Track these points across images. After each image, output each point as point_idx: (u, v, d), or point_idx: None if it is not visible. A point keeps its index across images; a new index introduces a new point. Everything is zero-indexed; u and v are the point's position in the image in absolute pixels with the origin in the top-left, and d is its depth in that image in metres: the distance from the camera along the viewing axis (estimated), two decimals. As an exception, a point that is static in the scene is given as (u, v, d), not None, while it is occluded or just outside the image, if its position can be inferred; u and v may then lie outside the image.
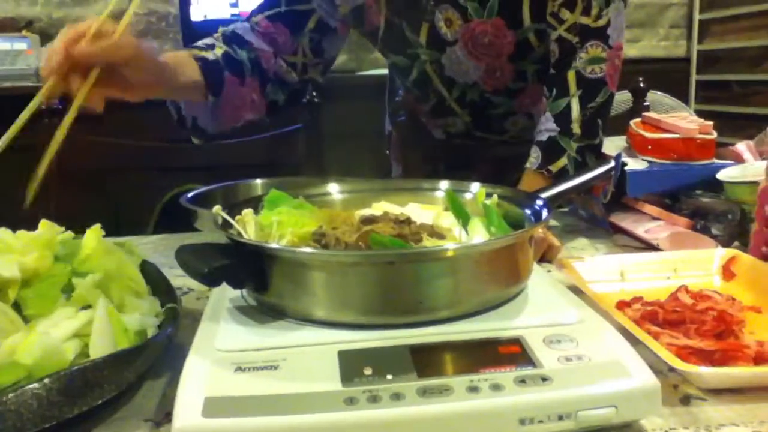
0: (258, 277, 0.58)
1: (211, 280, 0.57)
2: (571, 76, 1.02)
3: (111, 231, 0.69)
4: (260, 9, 1.09)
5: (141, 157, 1.81)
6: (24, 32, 2.69)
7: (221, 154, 1.53)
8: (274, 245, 0.62)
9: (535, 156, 1.02)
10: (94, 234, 0.65)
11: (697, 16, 3.31)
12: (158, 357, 0.58)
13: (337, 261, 0.57)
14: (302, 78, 1.13)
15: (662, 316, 0.65)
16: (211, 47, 1.03)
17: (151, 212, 1.45)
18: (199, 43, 1.05)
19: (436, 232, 0.68)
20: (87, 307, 0.59)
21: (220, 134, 1.07)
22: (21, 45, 2.61)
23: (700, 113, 2.52)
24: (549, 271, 0.84)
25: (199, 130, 1.05)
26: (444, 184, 0.81)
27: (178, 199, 0.99)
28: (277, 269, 0.57)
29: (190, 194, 1.01)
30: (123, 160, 1.85)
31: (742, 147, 1.09)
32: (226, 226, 0.65)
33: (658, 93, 1.97)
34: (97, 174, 2.30)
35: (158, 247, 1.04)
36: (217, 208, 0.66)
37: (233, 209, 0.67)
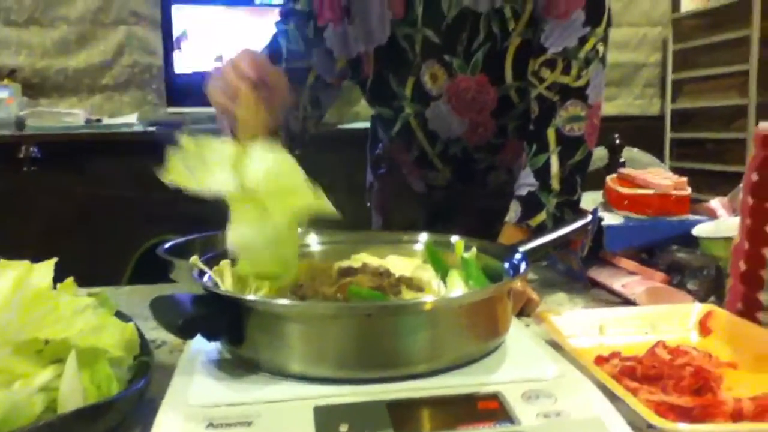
0: (233, 330, 0.57)
1: (185, 332, 0.56)
2: (550, 133, 1.04)
3: (86, 280, 0.68)
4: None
5: (119, 206, 1.80)
6: (6, 81, 2.70)
7: (200, 204, 1.53)
8: (250, 297, 0.61)
9: (514, 210, 1.03)
10: (67, 289, 0.64)
11: (670, 76, 3.42)
12: (129, 412, 0.56)
13: (314, 313, 0.57)
14: (302, 129, 1.14)
15: (640, 372, 0.65)
16: None
17: (127, 262, 1.44)
18: None
19: (415, 285, 0.68)
20: (57, 360, 0.57)
21: None
22: (2, 94, 2.62)
23: (675, 170, 2.57)
24: (527, 325, 0.84)
25: None
26: (423, 237, 0.81)
27: (154, 250, 0.98)
28: (253, 321, 0.57)
29: (167, 245, 1.00)
30: (101, 208, 1.84)
31: (716, 203, 1.11)
32: (202, 276, 0.64)
33: (634, 150, 2.02)
34: (75, 221, 2.29)
35: (133, 298, 1.02)
36: (194, 259, 0.65)
37: (211, 260, 0.67)
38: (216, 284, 0.64)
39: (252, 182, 0.64)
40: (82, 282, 0.66)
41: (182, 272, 0.90)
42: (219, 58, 2.81)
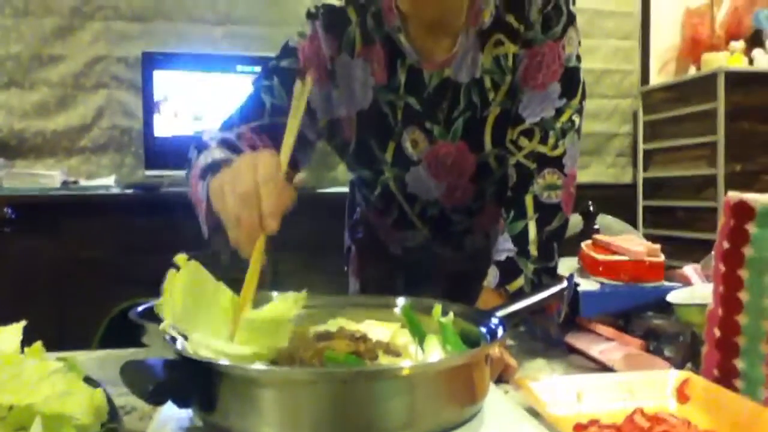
0: (205, 396, 0.56)
1: (155, 397, 0.54)
2: (528, 199, 1.06)
3: (56, 343, 0.66)
4: (243, 119, 1.06)
5: (92, 268, 1.77)
6: (-16, 142, 2.69)
7: (170, 268, 1.51)
8: (222, 362, 0.60)
9: (493, 275, 1.03)
10: (35, 353, 0.62)
11: (641, 146, 3.51)
12: (93, 482, 0.54)
13: (288, 379, 0.56)
14: None
15: (620, 440, 0.64)
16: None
17: (98, 325, 1.40)
18: (202, 158, 0.97)
19: (392, 350, 0.67)
20: (21, 428, 0.55)
21: None
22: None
23: (648, 237, 2.60)
24: (506, 391, 0.83)
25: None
26: (401, 301, 0.80)
27: (126, 313, 0.96)
28: (226, 387, 0.55)
29: (139, 308, 0.98)
30: (74, 270, 1.81)
31: (689, 270, 1.13)
32: (174, 341, 0.63)
33: (608, 217, 2.04)
34: (47, 283, 2.24)
35: (103, 363, 0.99)
36: (165, 324, 0.64)
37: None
38: (186, 348, 0.63)
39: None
40: (51, 346, 0.64)
41: (154, 336, 0.88)
42: (198, 118, 2.84)
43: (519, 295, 1.00)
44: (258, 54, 2.90)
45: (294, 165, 1.12)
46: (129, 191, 2.67)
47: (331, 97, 1.10)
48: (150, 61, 2.83)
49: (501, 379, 0.88)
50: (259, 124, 1.04)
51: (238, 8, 3.07)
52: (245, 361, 0.60)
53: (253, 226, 0.70)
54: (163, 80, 2.84)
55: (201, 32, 3.04)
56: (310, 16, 1.09)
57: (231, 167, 0.77)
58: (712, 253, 1.15)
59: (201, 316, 0.64)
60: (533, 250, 1.03)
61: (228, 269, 0.74)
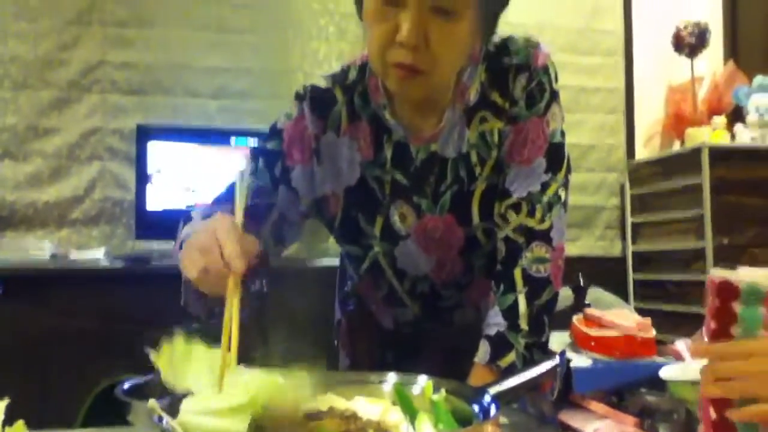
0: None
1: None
2: (517, 273, 1.07)
3: (41, 415, 0.65)
4: (229, 198, 1.04)
5: (79, 342, 1.74)
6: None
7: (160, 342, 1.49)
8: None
9: (484, 350, 1.03)
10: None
11: (629, 219, 3.54)
12: None
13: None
14: (260, 265, 1.13)
15: None
16: None
17: (83, 401, 1.37)
18: (183, 231, 1.03)
19: (382, 429, 0.66)
20: None
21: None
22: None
23: (639, 311, 2.60)
24: (499, 472, 0.81)
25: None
26: (392, 377, 0.79)
27: (111, 390, 0.94)
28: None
29: (125, 385, 0.96)
30: (59, 345, 1.78)
31: (681, 345, 1.12)
32: (161, 420, 0.61)
33: (598, 290, 2.05)
34: (31, 357, 2.20)
35: (85, 442, 0.97)
36: (152, 402, 0.63)
37: (173, 403, 0.65)
38: (174, 428, 0.61)
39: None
40: (35, 420, 0.62)
41: (140, 414, 0.86)
42: (191, 190, 2.85)
43: (511, 370, 0.99)
44: (252, 128, 2.95)
45: (281, 242, 1.13)
46: (118, 263, 2.65)
47: (315, 176, 1.12)
48: (145, 133, 2.87)
49: (494, 458, 0.86)
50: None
51: (234, 83, 3.13)
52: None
53: (217, 269, 0.80)
54: (157, 152, 2.86)
55: (196, 105, 3.09)
56: (298, 97, 1.13)
57: (192, 235, 0.87)
58: (704, 328, 1.15)
59: (192, 379, 0.67)
60: (524, 324, 1.03)
61: (206, 331, 0.78)
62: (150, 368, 1.13)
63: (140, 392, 0.94)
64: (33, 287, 2.46)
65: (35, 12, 2.92)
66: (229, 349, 0.72)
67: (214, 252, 0.80)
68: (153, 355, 0.69)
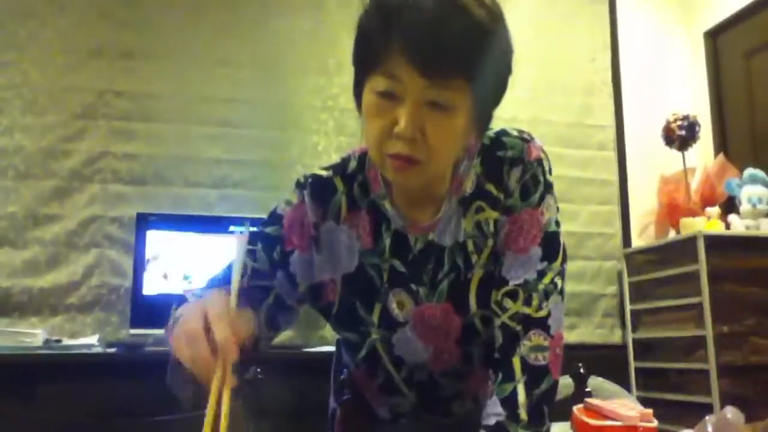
0: None
1: None
2: (516, 362, 1.05)
3: None
4: (225, 280, 1.06)
5: (70, 428, 1.70)
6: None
7: (155, 430, 1.46)
8: None
9: (482, 441, 1.00)
10: None
11: (628, 307, 3.52)
12: None
13: None
14: (253, 350, 1.12)
15: None
16: None
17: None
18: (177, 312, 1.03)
19: None
20: None
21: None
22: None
23: (642, 399, 2.55)
24: None
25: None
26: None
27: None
28: None
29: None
30: (49, 429, 1.72)
31: (684, 436, 1.10)
32: None
33: (599, 379, 2.01)
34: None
35: None
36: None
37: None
38: None
39: None
40: None
41: None
42: (188, 278, 2.85)
43: (511, 462, 0.97)
44: (251, 215, 2.98)
45: (275, 327, 1.13)
46: (111, 350, 2.62)
47: (313, 263, 1.13)
48: (144, 222, 2.89)
49: None
50: (239, 287, 1.06)
51: (234, 173, 3.19)
52: None
53: (205, 359, 0.79)
54: (155, 240, 2.88)
55: (196, 195, 3.13)
56: (299, 185, 1.15)
57: (183, 314, 0.86)
58: (707, 418, 1.13)
59: None
60: (523, 414, 1.01)
61: (189, 408, 0.79)
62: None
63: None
64: (23, 377, 2.41)
65: (42, 106, 3.01)
66: None
67: (200, 339, 0.80)
68: None
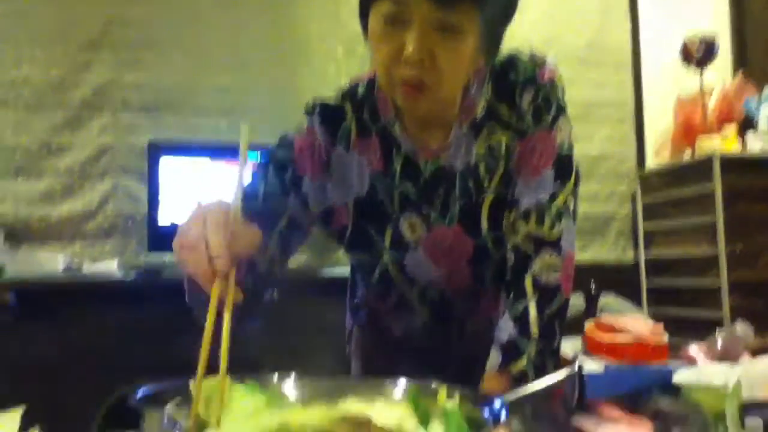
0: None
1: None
2: (527, 281, 1.07)
3: (54, 429, 0.65)
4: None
5: (92, 354, 1.75)
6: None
7: (173, 352, 1.50)
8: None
9: (495, 357, 1.03)
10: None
11: (641, 227, 3.53)
12: None
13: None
14: (267, 271, 1.13)
15: None
16: None
17: (97, 411, 1.38)
18: None
19: (395, 435, 0.66)
20: None
21: None
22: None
23: (653, 316, 2.59)
24: (512, 478, 0.81)
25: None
26: (407, 384, 0.79)
27: (125, 399, 0.95)
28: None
29: (138, 394, 0.97)
30: (74, 356, 1.79)
31: (694, 350, 1.12)
32: (172, 427, 0.62)
33: (611, 297, 2.04)
34: (45, 368, 2.21)
35: (100, 451, 0.97)
36: (170, 406, 0.64)
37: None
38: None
39: None
40: (51, 431, 0.63)
41: (153, 422, 0.86)
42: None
43: (522, 376, 0.99)
44: (261, 142, 2.96)
45: (288, 250, 1.13)
46: (131, 275, 2.67)
47: (326, 187, 1.13)
48: (156, 150, 2.89)
49: (507, 464, 0.86)
50: (252, 209, 1.06)
51: (244, 101, 3.17)
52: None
53: (204, 270, 0.76)
54: (168, 167, 2.89)
55: (206, 122, 3.12)
56: (308, 111, 1.14)
57: (185, 223, 0.83)
58: (717, 332, 1.15)
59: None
60: (535, 331, 1.03)
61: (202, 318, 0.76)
62: (163, 378, 1.14)
63: (153, 401, 0.95)
64: (46, 301, 2.48)
65: (49, 38, 2.97)
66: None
67: (198, 250, 0.77)
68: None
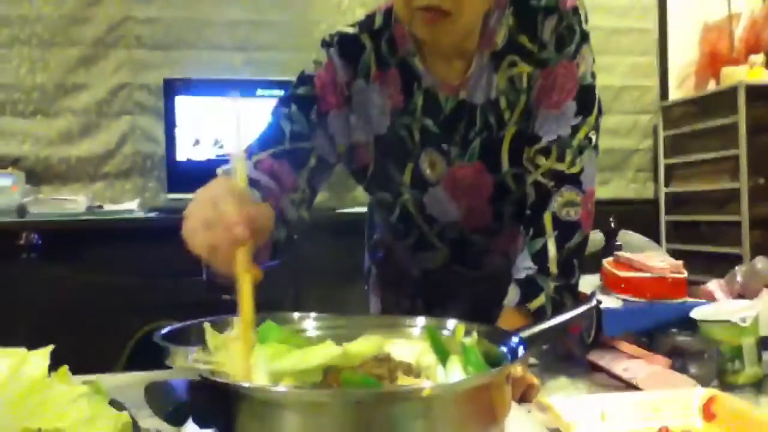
0: (225, 417, 0.56)
1: (175, 418, 0.55)
2: (547, 218, 1.06)
3: (81, 367, 0.67)
4: (262, 147, 1.05)
5: (116, 292, 1.79)
6: (10, 169, 2.74)
7: (195, 291, 1.52)
8: (243, 384, 0.60)
9: (513, 293, 1.03)
10: (61, 377, 0.63)
11: (662, 161, 3.48)
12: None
13: (301, 400, 0.56)
14: (297, 215, 1.12)
15: (645, 460, 0.64)
16: None
17: (123, 348, 1.42)
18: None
19: (414, 371, 0.67)
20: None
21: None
22: (6, 181, 2.66)
23: (672, 252, 2.58)
24: (529, 411, 0.82)
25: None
26: (425, 321, 0.80)
27: (150, 336, 0.97)
28: (244, 408, 0.56)
29: (163, 331, 0.99)
30: (98, 295, 1.83)
31: (713, 286, 1.12)
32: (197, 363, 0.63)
33: (630, 233, 2.03)
34: (71, 307, 2.27)
35: (128, 385, 1.00)
36: (199, 350, 0.65)
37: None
38: (210, 369, 0.63)
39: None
40: (78, 368, 0.65)
41: (178, 358, 0.89)
42: (219, 145, 2.88)
43: (540, 313, 1.00)
44: (277, 78, 2.94)
45: (316, 189, 1.13)
46: (152, 215, 2.70)
47: (350, 122, 1.12)
48: (171, 88, 2.88)
49: (524, 398, 0.88)
50: (279, 150, 1.05)
51: (257, 35, 3.12)
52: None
53: (223, 245, 0.69)
54: (184, 106, 2.88)
55: (221, 59, 3.09)
56: (324, 44, 1.11)
57: (191, 207, 0.77)
58: (737, 268, 1.14)
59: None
60: (553, 267, 1.03)
61: (228, 291, 0.74)
62: (186, 316, 1.16)
63: (178, 338, 0.97)
64: (69, 241, 2.52)
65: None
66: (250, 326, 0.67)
67: (214, 223, 0.71)
68: (208, 333, 0.68)
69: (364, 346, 0.67)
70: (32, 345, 0.64)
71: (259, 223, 0.72)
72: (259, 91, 2.91)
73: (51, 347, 0.65)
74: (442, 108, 1.10)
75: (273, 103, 1.14)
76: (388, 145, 1.13)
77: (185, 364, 0.65)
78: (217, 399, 0.56)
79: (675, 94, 3.56)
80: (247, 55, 3.11)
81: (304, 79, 1.11)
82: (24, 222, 2.55)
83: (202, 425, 0.58)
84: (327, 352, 0.62)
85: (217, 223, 0.70)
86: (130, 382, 1.04)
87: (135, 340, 1.44)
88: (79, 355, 0.80)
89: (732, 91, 2.98)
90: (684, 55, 3.56)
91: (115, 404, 0.69)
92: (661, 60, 3.57)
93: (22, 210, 2.60)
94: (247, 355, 0.65)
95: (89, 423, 0.58)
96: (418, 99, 1.10)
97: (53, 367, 0.64)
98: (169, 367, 0.92)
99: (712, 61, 3.39)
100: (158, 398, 0.55)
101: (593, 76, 1.11)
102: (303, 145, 1.08)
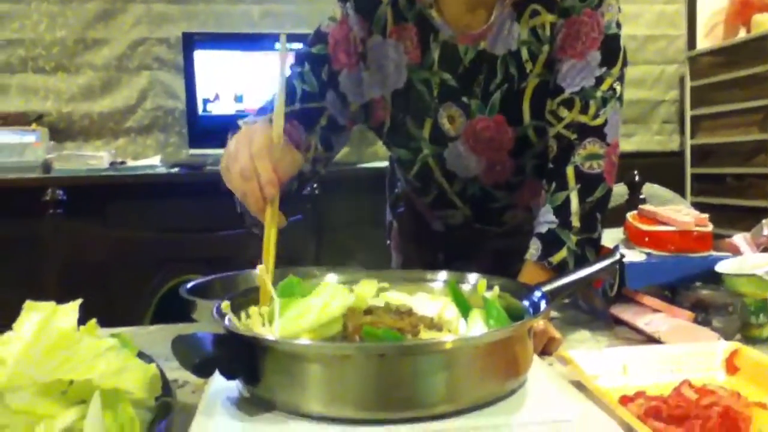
0: (250, 369, 0.58)
1: (201, 370, 0.56)
2: (569, 171, 1.05)
3: (108, 320, 0.68)
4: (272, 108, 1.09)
5: (142, 247, 1.81)
6: (34, 126, 2.76)
7: (218, 246, 1.54)
8: (268, 336, 0.61)
9: (535, 247, 1.03)
10: (90, 330, 0.65)
11: (688, 113, 3.41)
12: (150, 453, 0.56)
13: (324, 354, 0.57)
14: (311, 170, 1.14)
15: (666, 412, 0.64)
16: None
17: (149, 302, 1.45)
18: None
19: (435, 325, 0.68)
20: (81, 401, 0.58)
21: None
22: (29, 138, 2.68)
23: (697, 206, 2.55)
24: (550, 364, 0.83)
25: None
26: (447, 276, 0.81)
27: (176, 290, 0.99)
28: (268, 361, 0.57)
29: (189, 285, 1.01)
30: (123, 250, 1.85)
31: (739, 239, 1.10)
32: (222, 316, 0.64)
33: (654, 186, 2.00)
34: (97, 262, 2.30)
35: (155, 339, 1.02)
36: (225, 304, 0.66)
37: (237, 302, 0.68)
38: (234, 324, 0.64)
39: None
40: (105, 323, 0.66)
41: (204, 312, 0.90)
42: (239, 99, 2.87)
43: (562, 267, 1.00)
44: (296, 32, 2.90)
45: (330, 148, 1.13)
46: (174, 170, 2.72)
47: (363, 80, 1.10)
48: (190, 42, 2.86)
49: (545, 351, 0.88)
50: (290, 109, 1.06)
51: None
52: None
53: (256, 196, 0.81)
54: (203, 60, 2.86)
55: (239, 12, 3.05)
56: None
57: (229, 147, 0.87)
58: (763, 221, 1.12)
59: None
60: (575, 221, 1.02)
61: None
62: (210, 271, 1.17)
63: (203, 292, 0.99)
64: (93, 197, 2.55)
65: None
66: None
67: (250, 177, 0.82)
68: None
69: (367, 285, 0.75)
70: (60, 300, 0.65)
71: (284, 171, 0.84)
72: (278, 45, 2.88)
73: (80, 301, 0.66)
74: (461, 60, 1.08)
75: (291, 57, 1.13)
76: (406, 100, 1.12)
77: (210, 317, 0.66)
78: (242, 352, 0.57)
79: (703, 44, 3.46)
80: (265, 8, 3.07)
81: (318, 36, 1.11)
82: (49, 178, 2.58)
83: (227, 377, 0.59)
84: (343, 303, 0.65)
85: (253, 177, 0.81)
86: (157, 335, 1.06)
87: (161, 294, 1.47)
88: (106, 310, 0.82)
89: (763, 39, 2.89)
90: (713, 2, 3.45)
91: (143, 357, 0.71)
92: (690, 8, 3.46)
93: (46, 166, 2.62)
94: (265, 302, 0.70)
95: (118, 374, 0.59)
96: (436, 52, 1.08)
97: (81, 321, 0.65)
98: (194, 321, 0.94)
99: (743, 9, 3.28)
100: (185, 351, 0.56)
101: (618, 25, 1.08)
102: (313, 105, 1.09)
